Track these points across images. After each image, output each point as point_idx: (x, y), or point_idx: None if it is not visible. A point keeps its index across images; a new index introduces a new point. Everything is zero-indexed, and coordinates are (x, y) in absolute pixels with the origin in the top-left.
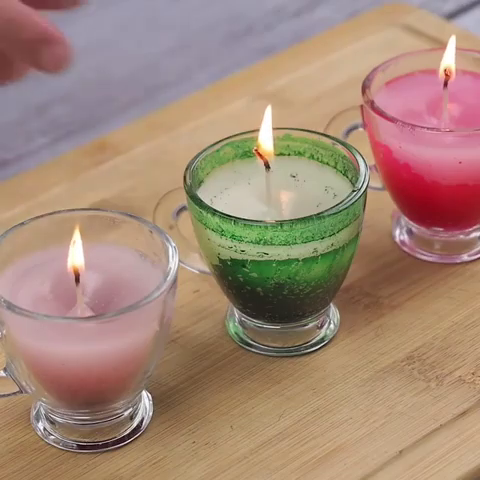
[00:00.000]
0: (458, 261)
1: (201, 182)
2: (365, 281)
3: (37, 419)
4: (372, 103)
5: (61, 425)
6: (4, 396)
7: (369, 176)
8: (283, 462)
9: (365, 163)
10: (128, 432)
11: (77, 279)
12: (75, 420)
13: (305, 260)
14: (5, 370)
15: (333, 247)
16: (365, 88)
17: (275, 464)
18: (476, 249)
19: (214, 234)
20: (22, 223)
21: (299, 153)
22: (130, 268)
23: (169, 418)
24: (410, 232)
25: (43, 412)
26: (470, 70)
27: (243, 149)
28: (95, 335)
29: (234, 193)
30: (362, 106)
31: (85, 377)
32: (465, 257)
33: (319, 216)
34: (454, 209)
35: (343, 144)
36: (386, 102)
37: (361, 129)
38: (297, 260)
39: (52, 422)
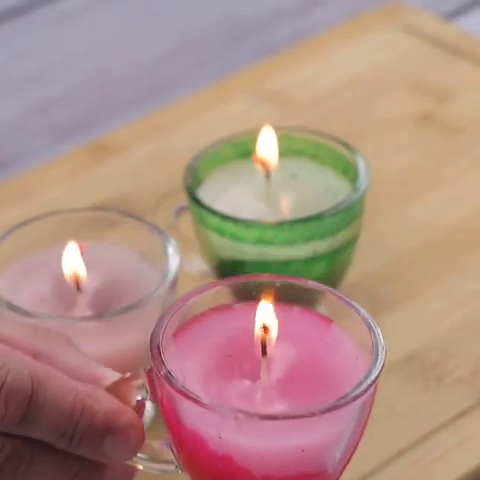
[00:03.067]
0: None
1: (201, 182)
2: (365, 281)
3: None
4: (168, 376)
5: None
6: None
7: (369, 176)
8: None
9: (365, 163)
10: None
11: (78, 287)
12: None
13: (305, 260)
14: None
15: (333, 247)
16: (157, 349)
17: None
18: None
19: (214, 234)
20: (22, 223)
21: (299, 153)
22: (130, 268)
23: None
24: None
25: None
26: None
27: (243, 149)
28: (95, 335)
29: (234, 193)
30: (149, 372)
31: None
32: None
33: (319, 216)
34: None
35: (343, 144)
36: (176, 360)
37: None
38: (297, 260)
39: None
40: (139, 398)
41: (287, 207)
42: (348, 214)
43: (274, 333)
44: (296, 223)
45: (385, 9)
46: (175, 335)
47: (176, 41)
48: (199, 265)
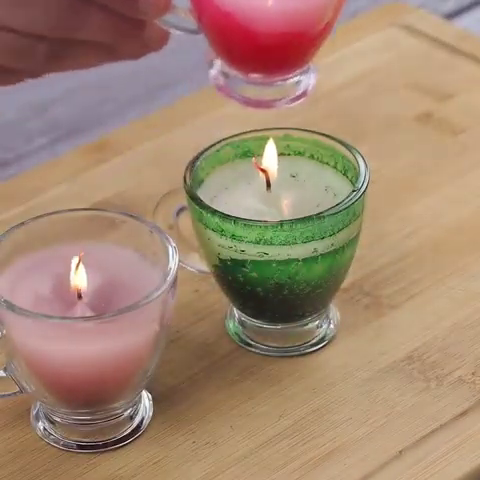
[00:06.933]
0: (273, 106)
1: (201, 182)
2: (365, 281)
3: (37, 419)
4: None
5: (61, 425)
6: (4, 396)
7: (369, 176)
8: (283, 462)
9: (365, 163)
10: (128, 432)
11: (79, 296)
12: (75, 420)
13: (305, 260)
14: (5, 370)
15: (333, 247)
16: None
17: (275, 464)
18: (292, 96)
19: (214, 234)
20: (22, 223)
21: (299, 153)
22: (130, 268)
23: (169, 418)
24: (225, 75)
25: (43, 412)
26: None
27: (243, 149)
28: (95, 335)
29: (234, 193)
30: None
31: (85, 377)
32: (281, 103)
33: (319, 216)
34: (275, 55)
35: (343, 144)
36: None
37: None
38: (297, 260)
39: (52, 422)
40: None
41: (287, 207)
42: (348, 214)
43: None
44: (296, 223)
45: (385, 9)
46: None
47: (176, 41)
48: (199, 265)
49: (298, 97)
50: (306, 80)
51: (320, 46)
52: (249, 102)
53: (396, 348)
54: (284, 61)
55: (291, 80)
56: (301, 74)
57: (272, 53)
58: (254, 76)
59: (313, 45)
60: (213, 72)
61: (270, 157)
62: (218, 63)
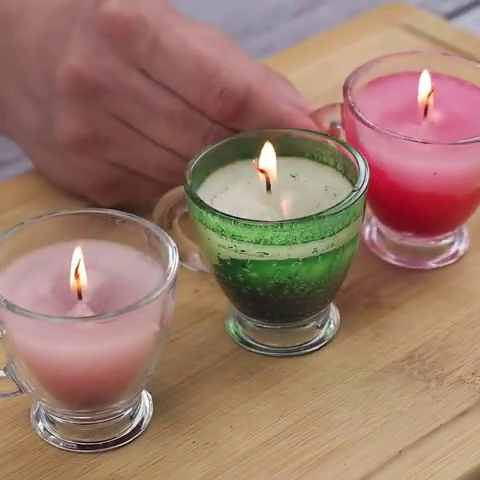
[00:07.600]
0: (424, 268)
1: (201, 182)
2: (365, 281)
3: (37, 419)
4: (352, 106)
5: (61, 425)
6: (4, 396)
7: (369, 176)
8: (283, 462)
9: (365, 163)
10: (128, 432)
11: (79, 296)
12: (75, 420)
13: (305, 260)
14: (5, 370)
15: (333, 247)
16: (346, 88)
17: (275, 464)
18: (444, 256)
19: (214, 234)
20: (22, 223)
21: (299, 153)
22: (130, 268)
23: (169, 418)
24: (379, 233)
25: (43, 412)
26: (456, 75)
27: (243, 149)
28: (95, 335)
29: (234, 193)
30: (342, 105)
31: (85, 377)
32: (432, 264)
33: (319, 216)
34: (424, 216)
35: (343, 144)
36: (366, 103)
37: (339, 126)
38: (297, 260)
39: (52, 422)
40: (333, 124)
41: (287, 207)
42: (348, 214)
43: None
44: (296, 223)
45: (385, 9)
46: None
47: None
48: (199, 265)
49: (449, 258)
50: (458, 243)
51: (473, 211)
52: (402, 261)
53: (396, 348)
54: (435, 223)
55: (444, 241)
56: (454, 236)
57: (423, 213)
58: (407, 235)
59: (465, 209)
60: (368, 229)
61: (268, 158)
62: (373, 220)
